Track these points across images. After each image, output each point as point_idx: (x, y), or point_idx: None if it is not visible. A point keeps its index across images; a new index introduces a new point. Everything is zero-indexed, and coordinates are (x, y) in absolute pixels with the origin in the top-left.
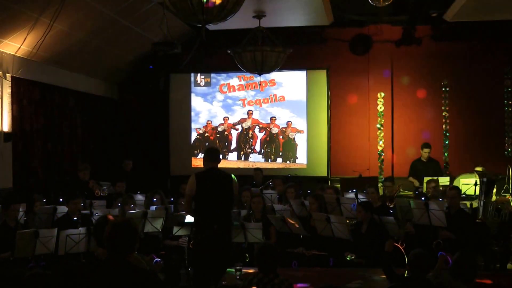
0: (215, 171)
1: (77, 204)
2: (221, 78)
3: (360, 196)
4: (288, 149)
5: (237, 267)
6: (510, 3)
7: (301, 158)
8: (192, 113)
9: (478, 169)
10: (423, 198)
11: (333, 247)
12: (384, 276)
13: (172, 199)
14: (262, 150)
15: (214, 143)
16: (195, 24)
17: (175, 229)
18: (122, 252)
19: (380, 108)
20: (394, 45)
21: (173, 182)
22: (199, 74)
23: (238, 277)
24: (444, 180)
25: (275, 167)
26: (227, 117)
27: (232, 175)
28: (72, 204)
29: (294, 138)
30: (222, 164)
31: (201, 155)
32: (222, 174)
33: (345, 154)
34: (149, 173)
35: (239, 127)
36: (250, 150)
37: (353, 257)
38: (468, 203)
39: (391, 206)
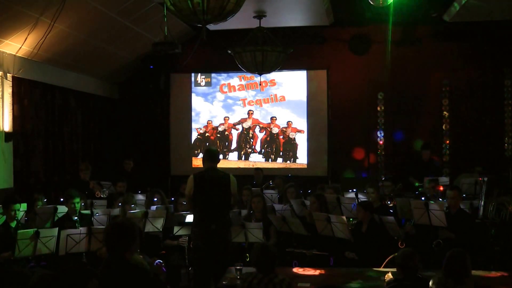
0: (214, 171)
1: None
2: (221, 78)
3: (360, 196)
4: (289, 149)
5: (237, 267)
6: (510, 3)
7: (301, 158)
8: (193, 113)
9: (478, 169)
10: (423, 198)
11: (334, 246)
12: (384, 276)
13: (172, 198)
14: (263, 150)
15: (215, 143)
16: (196, 24)
17: (175, 228)
18: (120, 251)
19: (380, 108)
20: (394, 45)
21: (173, 182)
22: (199, 74)
23: (238, 277)
24: (444, 180)
25: (276, 167)
26: (227, 117)
27: (231, 175)
28: (70, 204)
29: (294, 138)
30: (222, 164)
31: (201, 155)
32: (220, 174)
33: (345, 154)
34: (149, 173)
35: (239, 127)
36: (250, 150)
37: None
38: (468, 203)
39: (391, 205)
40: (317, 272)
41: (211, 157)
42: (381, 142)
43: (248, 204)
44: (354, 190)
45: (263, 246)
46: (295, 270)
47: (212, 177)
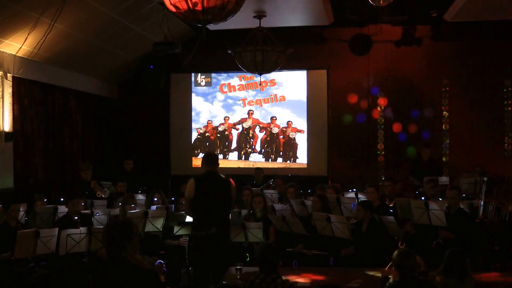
0: (213, 175)
1: (75, 205)
2: (221, 78)
3: (360, 195)
4: (289, 149)
5: (237, 267)
6: (510, 3)
7: (301, 158)
8: (193, 113)
9: (478, 169)
10: (423, 198)
11: (334, 246)
12: (384, 276)
13: (172, 198)
14: (263, 150)
15: (215, 143)
16: (196, 24)
17: (175, 228)
18: (116, 250)
19: (380, 107)
20: (394, 45)
21: (173, 182)
22: (199, 74)
23: (238, 277)
24: (444, 180)
25: (276, 166)
26: (227, 117)
27: (231, 180)
28: (71, 205)
29: (294, 138)
30: (222, 164)
31: (201, 155)
32: (221, 177)
33: (345, 154)
34: (149, 173)
35: (239, 127)
36: (250, 150)
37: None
38: (468, 203)
39: (391, 205)
40: (317, 271)
41: (211, 161)
42: (381, 142)
43: (249, 204)
44: (354, 190)
45: (267, 246)
46: (292, 277)
47: (213, 181)
